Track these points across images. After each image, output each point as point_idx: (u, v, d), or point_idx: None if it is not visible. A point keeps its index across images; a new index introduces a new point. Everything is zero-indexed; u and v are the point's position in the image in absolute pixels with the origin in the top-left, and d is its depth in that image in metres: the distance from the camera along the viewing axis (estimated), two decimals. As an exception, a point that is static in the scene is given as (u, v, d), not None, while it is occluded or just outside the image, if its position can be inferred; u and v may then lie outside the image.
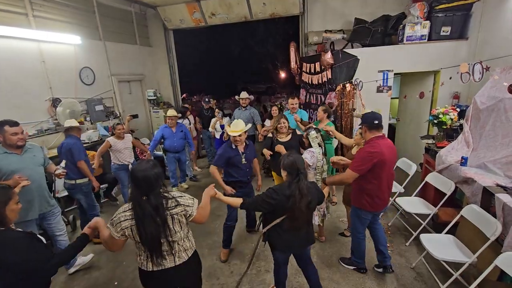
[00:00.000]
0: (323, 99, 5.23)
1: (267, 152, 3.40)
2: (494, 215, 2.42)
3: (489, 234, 2.32)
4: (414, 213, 3.27)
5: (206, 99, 6.17)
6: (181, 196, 1.74)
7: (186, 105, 6.30)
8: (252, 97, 5.62)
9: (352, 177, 2.44)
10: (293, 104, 4.40)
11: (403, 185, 3.61)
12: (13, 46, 4.14)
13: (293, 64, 6.24)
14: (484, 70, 2.85)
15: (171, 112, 4.87)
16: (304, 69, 5.91)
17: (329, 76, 4.91)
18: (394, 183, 3.27)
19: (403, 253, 3.14)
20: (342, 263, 2.99)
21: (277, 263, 2.34)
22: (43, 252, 1.60)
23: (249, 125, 3.22)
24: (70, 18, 5.08)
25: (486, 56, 3.69)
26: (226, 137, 5.36)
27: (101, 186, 4.50)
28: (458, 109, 3.81)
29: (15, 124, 2.54)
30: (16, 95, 4.19)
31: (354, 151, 3.05)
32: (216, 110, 5.45)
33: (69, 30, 4.97)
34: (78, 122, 4.96)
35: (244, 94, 5.32)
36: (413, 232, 3.25)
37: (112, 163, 4.23)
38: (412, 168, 3.64)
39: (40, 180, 2.73)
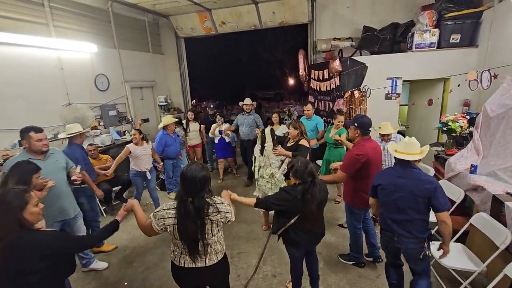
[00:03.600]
0: (331, 105, 5.27)
1: (282, 151, 3.35)
2: (505, 224, 2.39)
3: (499, 243, 2.29)
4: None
5: (211, 105, 6.34)
6: (222, 203, 1.80)
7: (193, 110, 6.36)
8: (255, 103, 5.78)
9: (343, 177, 2.70)
10: (307, 110, 4.61)
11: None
12: (34, 54, 4.36)
13: (301, 71, 6.31)
14: (492, 77, 2.85)
15: (170, 119, 4.79)
16: (312, 76, 5.98)
17: (338, 83, 4.96)
18: None
19: (412, 261, 3.10)
20: (342, 259, 3.14)
21: (293, 260, 2.45)
22: (69, 241, 1.77)
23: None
24: (87, 27, 5.32)
25: (496, 64, 3.67)
26: (225, 134, 5.47)
27: (113, 189, 4.65)
28: (468, 117, 3.78)
29: (39, 130, 2.57)
30: (35, 100, 4.40)
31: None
32: (217, 116, 5.56)
33: (86, 39, 5.20)
34: (92, 126, 5.21)
35: (247, 101, 5.47)
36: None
37: (130, 169, 4.26)
38: (430, 171, 3.62)
39: (62, 186, 2.70)
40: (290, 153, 3.25)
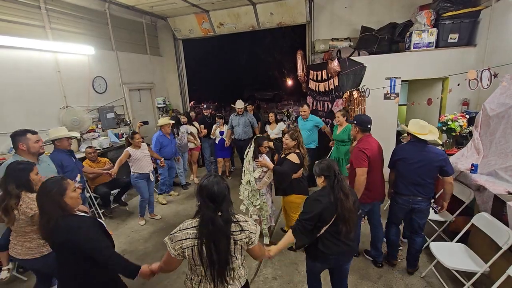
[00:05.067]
0: (330, 106, 5.25)
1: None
2: (507, 224, 2.38)
3: (502, 243, 2.28)
4: (430, 219, 3.18)
5: (205, 106, 6.39)
6: (245, 221, 1.60)
7: (190, 112, 6.38)
8: (247, 104, 5.91)
9: (363, 173, 2.66)
10: (303, 111, 4.66)
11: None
12: (30, 57, 4.33)
13: (300, 72, 6.30)
14: (493, 76, 2.84)
15: (165, 120, 4.81)
16: (311, 76, 5.96)
17: (336, 84, 4.94)
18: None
19: (413, 262, 3.08)
20: (366, 255, 3.19)
21: (314, 274, 2.26)
22: (106, 239, 1.74)
23: None
24: (85, 29, 5.29)
25: (494, 63, 3.67)
26: (227, 143, 5.53)
27: (111, 192, 4.61)
28: (467, 116, 3.78)
29: (35, 132, 2.63)
30: (32, 103, 4.36)
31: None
32: (217, 118, 5.70)
33: (83, 41, 5.17)
34: (90, 129, 5.17)
35: (239, 104, 5.56)
36: (427, 239, 3.18)
37: (132, 173, 4.14)
38: None
39: None
40: (271, 166, 3.09)
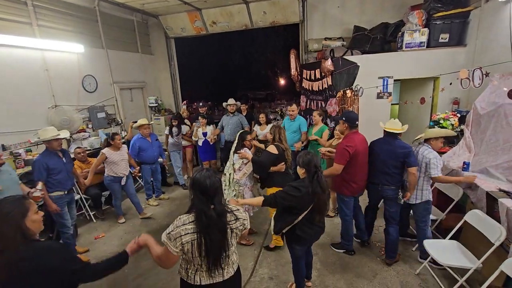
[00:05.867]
0: (323, 105, 5.27)
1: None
2: (498, 220, 2.42)
3: (494, 240, 2.31)
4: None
5: (201, 104, 6.26)
6: (237, 210, 1.69)
7: (178, 113, 6.05)
8: (238, 103, 5.74)
9: (339, 168, 2.87)
10: (291, 111, 4.62)
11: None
12: (17, 54, 4.19)
13: (293, 71, 6.30)
14: (484, 76, 2.89)
15: (144, 120, 4.55)
16: (304, 75, 5.97)
17: (330, 83, 4.96)
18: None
19: (407, 259, 3.12)
20: (334, 248, 3.33)
21: (296, 259, 2.47)
22: (75, 257, 1.56)
23: None
24: (73, 27, 5.15)
25: (484, 63, 3.73)
26: (212, 140, 5.34)
27: (103, 193, 4.52)
28: (458, 115, 3.84)
29: None
30: (19, 102, 4.23)
31: (334, 143, 3.66)
32: (200, 117, 5.36)
33: (72, 39, 5.04)
34: (80, 129, 5.06)
35: (231, 101, 5.45)
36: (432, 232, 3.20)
37: (105, 175, 4.01)
38: None
39: None
40: (250, 157, 3.22)
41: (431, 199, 2.92)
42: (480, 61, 4.01)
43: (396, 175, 2.86)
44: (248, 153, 3.27)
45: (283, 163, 3.16)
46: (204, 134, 5.31)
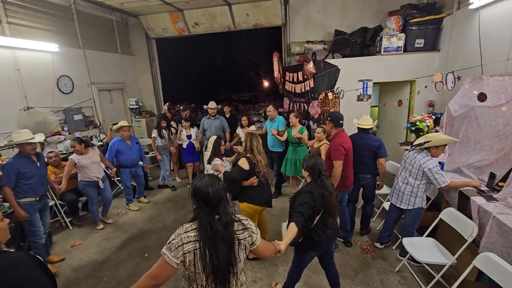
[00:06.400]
0: (306, 107, 5.34)
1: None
2: (471, 218, 2.54)
3: (467, 236, 2.42)
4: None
5: (181, 107, 6.18)
6: (246, 219, 1.55)
7: (165, 114, 6.02)
8: (219, 106, 5.75)
9: (339, 164, 2.95)
10: (268, 112, 4.81)
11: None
12: (-16, 53, 3.96)
13: (276, 74, 6.34)
14: (456, 79, 3.04)
15: (124, 122, 4.47)
16: (287, 78, 6.02)
17: (312, 85, 5.03)
18: (385, 186, 3.89)
19: (387, 257, 3.21)
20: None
21: (300, 265, 2.43)
22: (48, 281, 1.30)
23: None
24: (47, 25, 4.93)
25: (456, 67, 3.92)
26: (198, 147, 5.39)
27: (80, 198, 4.33)
28: (433, 117, 4.00)
29: None
30: (-13, 104, 3.98)
31: (315, 145, 3.77)
32: (183, 120, 5.39)
33: (46, 38, 4.82)
34: (55, 132, 4.83)
35: (212, 104, 5.44)
36: (399, 236, 3.31)
37: (79, 180, 3.88)
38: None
39: None
40: (223, 170, 2.99)
41: (424, 207, 2.92)
42: (452, 66, 4.20)
43: (371, 164, 3.27)
44: (220, 166, 3.05)
45: (255, 177, 2.96)
46: (189, 136, 5.38)
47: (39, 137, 3.13)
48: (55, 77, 5.04)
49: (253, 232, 1.52)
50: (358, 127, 3.37)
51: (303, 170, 2.34)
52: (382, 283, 2.82)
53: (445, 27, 4.61)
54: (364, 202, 3.59)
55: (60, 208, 4.16)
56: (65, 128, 5.20)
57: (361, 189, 3.53)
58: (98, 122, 5.92)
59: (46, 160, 4.06)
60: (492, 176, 2.72)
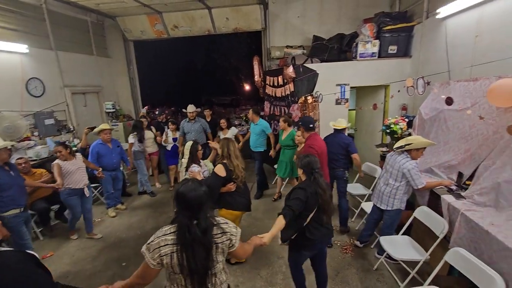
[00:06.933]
0: (286, 111, 5.41)
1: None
2: (441, 215, 2.67)
3: (438, 233, 2.55)
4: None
5: (157, 112, 6.12)
6: (226, 223, 1.57)
7: (143, 118, 5.82)
8: (199, 109, 5.77)
9: None
10: (249, 116, 5.00)
11: (371, 187, 3.87)
12: None
13: (257, 77, 6.38)
14: (426, 84, 3.21)
15: (105, 125, 4.40)
16: (267, 82, 6.08)
17: (292, 89, 5.12)
18: (362, 186, 4.19)
19: (366, 256, 3.30)
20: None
21: (297, 265, 2.46)
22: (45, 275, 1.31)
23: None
24: (16, 25, 4.68)
25: (426, 72, 4.15)
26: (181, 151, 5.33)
27: (52, 207, 4.11)
28: (406, 120, 4.19)
29: None
30: None
31: (299, 148, 3.87)
32: (170, 123, 5.49)
33: (14, 38, 4.57)
34: (24, 137, 4.56)
35: (191, 108, 5.43)
36: (377, 235, 3.41)
37: (62, 189, 3.59)
38: (378, 171, 3.90)
39: None
40: (200, 178, 2.94)
41: (403, 209, 3.00)
42: (423, 71, 4.44)
43: (342, 160, 3.64)
44: (199, 173, 3.01)
45: (233, 182, 2.92)
46: (174, 139, 5.46)
47: (11, 142, 2.97)
48: (24, 80, 4.78)
49: (232, 235, 1.54)
50: (334, 128, 3.77)
51: (297, 168, 2.39)
52: (361, 282, 2.89)
53: (415, 34, 4.87)
54: (339, 197, 3.79)
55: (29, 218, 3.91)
56: (35, 133, 4.92)
57: (335, 184, 3.82)
58: (71, 127, 5.66)
59: (14, 167, 3.84)
60: (460, 175, 2.89)
